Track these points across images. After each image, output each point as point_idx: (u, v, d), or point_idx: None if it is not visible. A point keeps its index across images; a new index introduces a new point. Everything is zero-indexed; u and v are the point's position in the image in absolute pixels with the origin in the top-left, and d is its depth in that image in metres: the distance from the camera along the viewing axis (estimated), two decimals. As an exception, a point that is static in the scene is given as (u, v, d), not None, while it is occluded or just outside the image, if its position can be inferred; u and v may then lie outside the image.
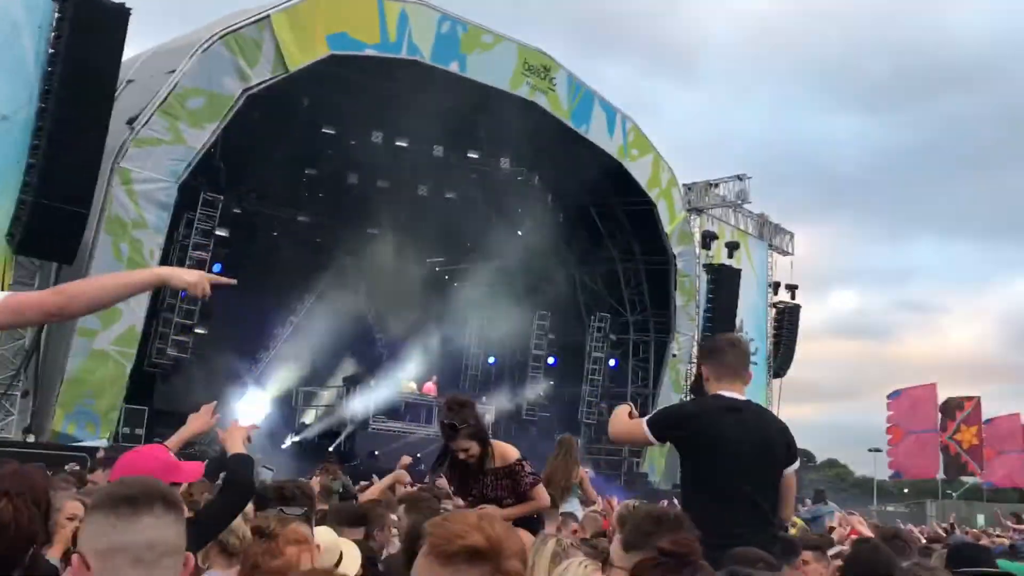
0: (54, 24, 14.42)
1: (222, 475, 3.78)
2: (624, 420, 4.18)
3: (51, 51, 14.40)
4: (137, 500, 1.72)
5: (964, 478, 35.61)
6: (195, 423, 3.88)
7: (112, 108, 14.71)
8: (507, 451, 4.97)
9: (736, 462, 3.80)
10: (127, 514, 1.70)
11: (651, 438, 4.01)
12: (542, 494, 4.99)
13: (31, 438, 14.41)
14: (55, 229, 14.26)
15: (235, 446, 3.67)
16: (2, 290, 11.98)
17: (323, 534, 3.63)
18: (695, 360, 4.32)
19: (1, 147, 14.28)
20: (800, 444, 4.32)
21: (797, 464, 4.07)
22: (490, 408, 24.50)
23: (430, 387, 23.34)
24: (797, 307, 30.12)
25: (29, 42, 14.50)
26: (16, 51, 14.40)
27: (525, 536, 3.43)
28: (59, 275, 15.21)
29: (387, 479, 5.98)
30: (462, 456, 4.82)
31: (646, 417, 4.09)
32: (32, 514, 2.71)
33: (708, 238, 25.89)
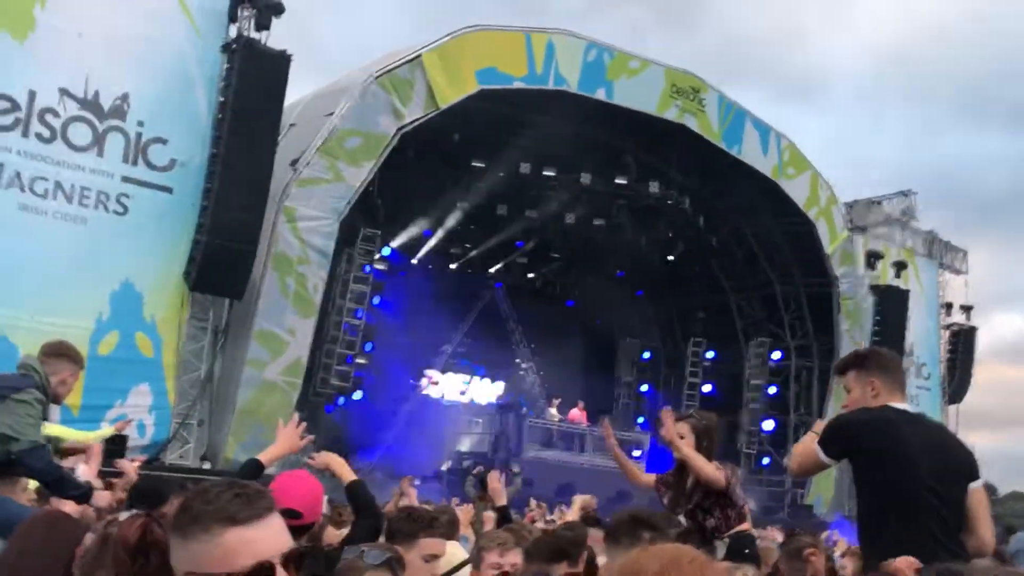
0: (223, 74, 15.36)
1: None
2: (798, 450, 3.91)
3: (220, 100, 15.33)
4: None
5: None
6: (287, 439, 3.95)
7: (276, 151, 15.49)
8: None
9: (920, 472, 3.47)
10: None
11: (824, 458, 3.66)
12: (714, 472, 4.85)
13: (207, 465, 15.21)
14: (226, 267, 15.08)
15: (347, 474, 3.77)
16: (179, 326, 12.58)
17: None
18: (846, 374, 3.96)
19: (178, 192, 15.29)
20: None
21: (983, 480, 3.68)
22: (645, 437, 24.13)
23: (576, 414, 23.19)
24: (973, 329, 28.21)
25: (201, 93, 15.50)
26: (191, 104, 15.42)
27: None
28: (231, 310, 16.09)
29: (576, 504, 5.86)
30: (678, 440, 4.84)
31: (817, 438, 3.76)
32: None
33: (873, 258, 24.58)
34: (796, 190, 22.26)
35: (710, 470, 4.79)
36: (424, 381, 24.44)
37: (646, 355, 28.29)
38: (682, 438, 4.83)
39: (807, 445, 3.80)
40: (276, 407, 16.07)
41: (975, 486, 3.61)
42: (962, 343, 27.86)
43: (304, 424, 4.03)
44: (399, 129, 16.89)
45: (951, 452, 3.65)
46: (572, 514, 5.56)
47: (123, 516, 3.30)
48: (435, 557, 3.56)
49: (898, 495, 3.49)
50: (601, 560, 3.93)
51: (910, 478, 3.48)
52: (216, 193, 14.92)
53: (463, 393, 25.82)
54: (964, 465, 3.63)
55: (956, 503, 3.53)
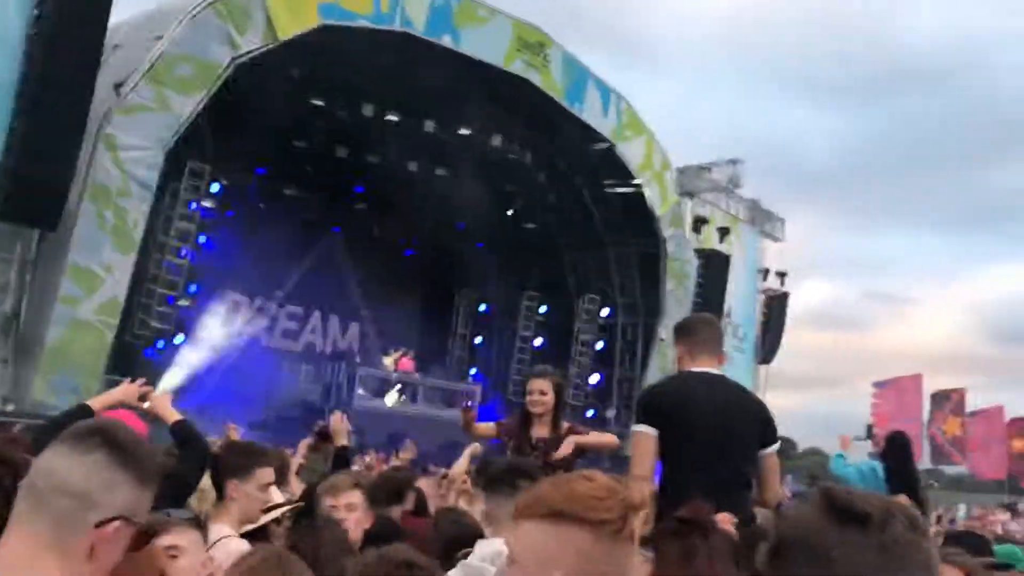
0: (39, -15, 14.12)
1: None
2: (635, 456, 3.93)
3: (35, 13, 14.10)
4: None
5: (946, 468, 35.89)
6: (125, 391, 3.90)
7: (97, 73, 14.43)
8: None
9: (704, 432, 3.69)
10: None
11: (652, 429, 3.79)
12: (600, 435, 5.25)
13: (10, 407, 14.20)
14: (37, 196, 14.04)
15: (171, 414, 3.76)
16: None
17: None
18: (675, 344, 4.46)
19: (-17, 110, 14.01)
20: (782, 432, 4.22)
21: (777, 445, 3.92)
22: (477, 389, 24.44)
23: (406, 363, 23.19)
24: (786, 295, 30.07)
25: (12, 5, 14.20)
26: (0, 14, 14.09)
27: None
28: (41, 242, 14.99)
29: (467, 453, 5.87)
30: (535, 396, 5.00)
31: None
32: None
33: (699, 223, 25.73)
34: (632, 153, 22.89)
35: (609, 439, 5.33)
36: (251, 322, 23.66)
37: (483, 308, 28.56)
38: (544, 394, 4.97)
39: (636, 452, 3.85)
40: (90, 347, 15.23)
41: (766, 452, 3.83)
42: (775, 307, 29.64)
43: (149, 387, 3.92)
44: (233, 59, 16.10)
45: (741, 411, 3.85)
46: (461, 463, 5.62)
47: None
48: (269, 486, 3.67)
49: (682, 452, 3.70)
50: (479, 508, 4.00)
51: (694, 437, 3.69)
52: (28, 115, 13.81)
53: (296, 338, 25.20)
54: (755, 426, 3.83)
55: (739, 460, 3.75)
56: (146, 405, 3.90)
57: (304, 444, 7.84)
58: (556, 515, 1.38)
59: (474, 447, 5.87)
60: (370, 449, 14.55)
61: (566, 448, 4.91)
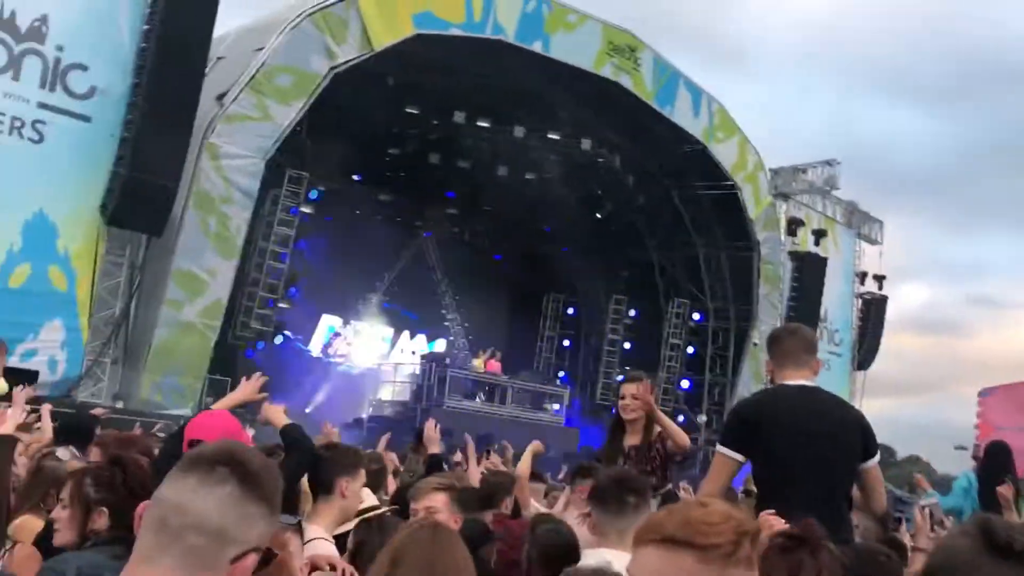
0: (150, 1, 14.77)
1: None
2: (708, 480, 3.91)
3: (145, 27, 14.75)
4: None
5: (1057, 481, 34.35)
6: (245, 390, 4.03)
7: (202, 84, 15.00)
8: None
9: (798, 449, 3.57)
10: None
11: (736, 455, 3.71)
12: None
13: (120, 404, 14.85)
14: (146, 202, 14.65)
15: (281, 420, 3.90)
16: (95, 261, 12.13)
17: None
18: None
19: (97, 121, 14.71)
20: (881, 439, 4.07)
21: (878, 457, 3.79)
22: (565, 391, 24.48)
23: (493, 364, 23.34)
24: (884, 298, 29.19)
25: (124, 18, 14.88)
26: (112, 27, 14.79)
27: None
28: (149, 247, 15.65)
29: (528, 452, 5.97)
30: (627, 400, 4.93)
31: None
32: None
33: (794, 225, 25.14)
34: (724, 154, 22.56)
35: (682, 435, 5.00)
36: (337, 344, 24.11)
37: (570, 311, 28.58)
38: (637, 399, 4.94)
39: (712, 470, 3.83)
40: (194, 349, 15.81)
41: (868, 465, 3.72)
42: (873, 311, 28.81)
43: (265, 379, 4.07)
44: (331, 69, 16.52)
45: (839, 425, 3.72)
46: (523, 464, 5.68)
47: (59, 451, 3.22)
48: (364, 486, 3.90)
49: (775, 473, 3.62)
50: (572, 515, 4.05)
51: (789, 455, 3.58)
52: (138, 125, 14.45)
53: (386, 356, 25.51)
54: (854, 439, 3.70)
55: (839, 475, 3.64)
56: (258, 417, 4.04)
57: (384, 439, 8.27)
58: (669, 540, 1.42)
59: (535, 445, 5.90)
60: (458, 450, 14.69)
61: (645, 402, 4.91)
